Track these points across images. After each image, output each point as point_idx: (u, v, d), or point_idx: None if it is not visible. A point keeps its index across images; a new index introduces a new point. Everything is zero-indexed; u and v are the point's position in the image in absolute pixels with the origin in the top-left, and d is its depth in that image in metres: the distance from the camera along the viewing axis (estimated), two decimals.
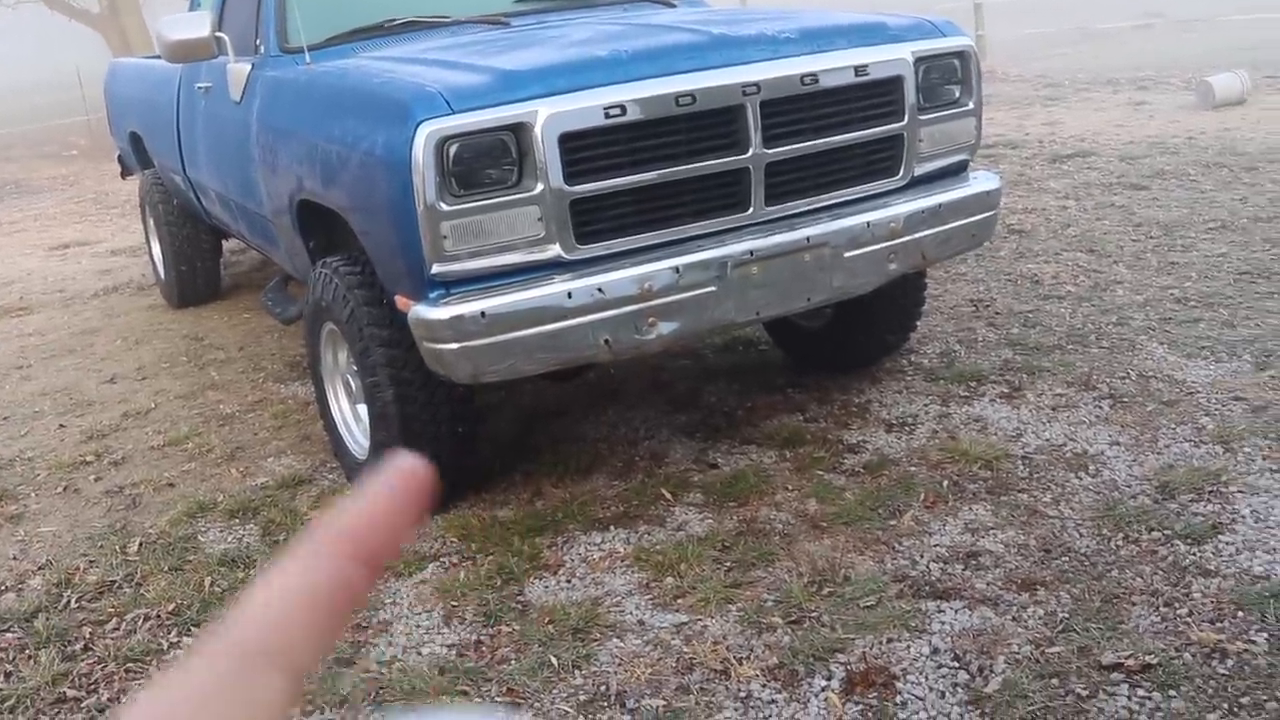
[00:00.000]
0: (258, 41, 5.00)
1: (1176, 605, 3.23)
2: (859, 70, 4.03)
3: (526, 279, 3.63)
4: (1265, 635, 3.06)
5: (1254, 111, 10.31)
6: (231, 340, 6.91)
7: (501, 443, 4.78)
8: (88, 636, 3.75)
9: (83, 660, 3.62)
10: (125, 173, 8.92)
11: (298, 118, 4.48)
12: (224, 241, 7.79)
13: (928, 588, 3.45)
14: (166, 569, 4.12)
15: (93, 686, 3.48)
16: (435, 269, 3.56)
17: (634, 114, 3.64)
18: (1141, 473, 3.98)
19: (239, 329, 7.14)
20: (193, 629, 3.71)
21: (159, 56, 6.86)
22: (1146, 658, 3.00)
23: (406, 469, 0.44)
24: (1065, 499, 3.87)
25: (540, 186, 3.55)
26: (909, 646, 3.18)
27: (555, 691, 3.17)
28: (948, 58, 4.27)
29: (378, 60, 4.34)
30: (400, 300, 3.79)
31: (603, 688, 3.16)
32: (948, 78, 4.30)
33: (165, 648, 3.63)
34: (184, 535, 4.37)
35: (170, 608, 3.84)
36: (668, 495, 4.19)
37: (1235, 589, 3.27)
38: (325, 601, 0.41)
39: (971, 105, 4.36)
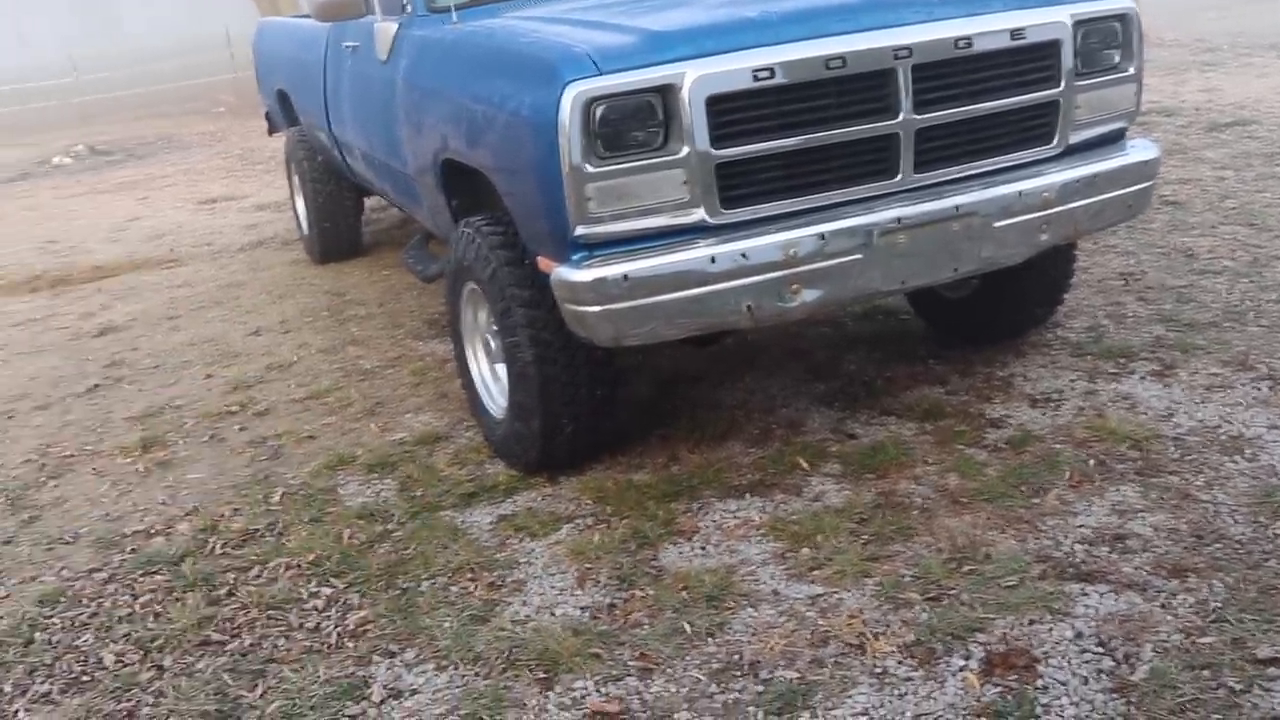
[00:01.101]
0: (405, 1, 5.03)
1: None
2: (1015, 34, 3.89)
3: (670, 243, 3.59)
4: None
5: None
6: (372, 297, 7.02)
7: (639, 406, 4.78)
8: (232, 582, 3.86)
9: (226, 605, 3.73)
10: (272, 130, 9.10)
11: (444, 77, 4.49)
12: (366, 199, 7.91)
13: (1072, 569, 3.35)
14: (307, 520, 4.21)
15: (236, 631, 3.58)
16: (579, 231, 3.55)
17: (782, 77, 3.57)
18: None
19: (379, 285, 7.26)
20: (332, 579, 3.78)
21: (307, 15, 7.00)
22: None
23: None
24: (1219, 483, 3.73)
25: (686, 149, 3.51)
26: (1051, 629, 3.10)
27: (688, 658, 3.16)
28: (1108, 20, 4.11)
29: (524, 20, 4.33)
30: (543, 261, 3.79)
31: (736, 657, 3.14)
32: (1107, 41, 4.14)
33: (305, 597, 3.71)
34: (324, 487, 4.46)
35: (310, 558, 3.93)
36: (804, 464, 4.14)
37: None
38: None
39: (1132, 70, 4.20)
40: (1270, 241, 6.00)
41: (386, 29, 5.08)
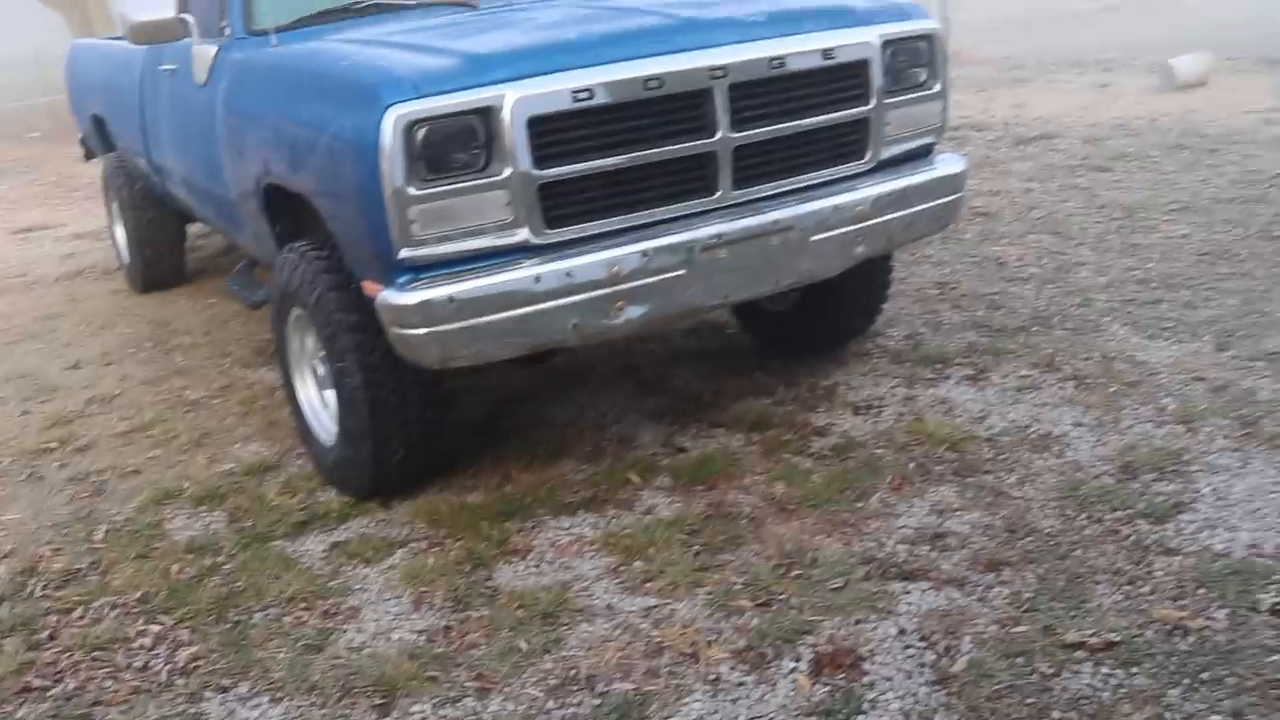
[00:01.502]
0: (223, 23, 4.95)
1: (1139, 584, 3.28)
2: (826, 54, 4.03)
3: (495, 263, 3.62)
4: (1225, 612, 3.11)
5: (1215, 94, 10.39)
6: (197, 325, 6.86)
7: (470, 427, 4.78)
8: (54, 625, 3.73)
9: (48, 649, 3.60)
10: (88, 155, 8.82)
11: (264, 100, 4.44)
12: (189, 226, 7.73)
13: (894, 569, 3.48)
14: (133, 556, 4.10)
15: (59, 675, 3.46)
16: (403, 254, 3.55)
17: (602, 98, 3.64)
18: (1105, 453, 4.03)
19: (204, 314, 7.10)
20: (160, 616, 3.69)
21: (122, 38, 6.82)
22: (1109, 636, 3.04)
23: None
24: (1030, 480, 3.91)
25: (509, 170, 3.54)
26: (876, 628, 3.21)
27: (525, 676, 3.18)
28: (914, 41, 4.29)
29: (345, 43, 4.31)
30: (368, 285, 3.77)
31: (572, 672, 3.18)
32: (914, 61, 4.31)
33: (132, 636, 3.61)
34: (150, 522, 4.35)
35: (137, 595, 3.82)
36: (636, 479, 4.20)
37: (1196, 567, 3.32)
38: None
39: (938, 88, 4.38)
40: (1073, 249, 6.31)
41: (205, 52, 5.00)
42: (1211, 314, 5.17)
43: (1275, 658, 2.92)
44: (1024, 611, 3.20)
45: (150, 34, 5.08)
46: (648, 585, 3.54)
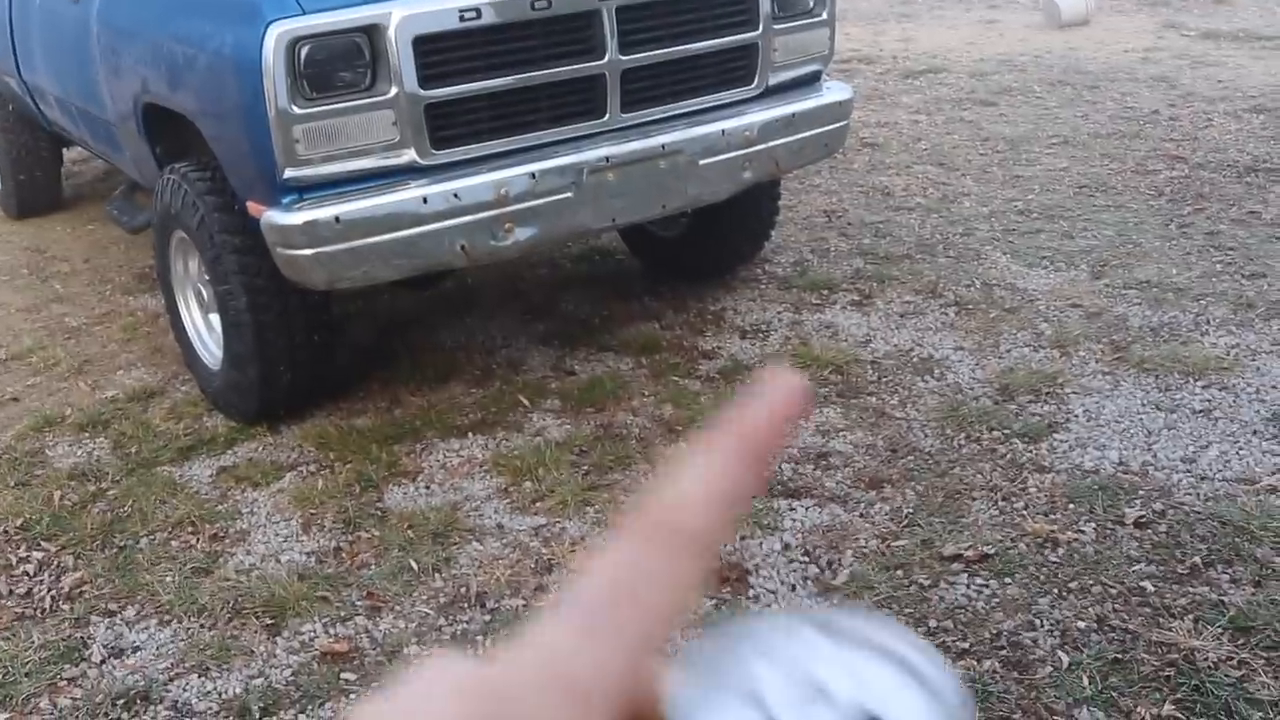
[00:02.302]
0: None
1: (1013, 500, 3.39)
2: None
3: (382, 184, 3.59)
4: (1093, 525, 3.23)
5: (1097, 32, 10.58)
6: (76, 252, 6.68)
7: (358, 351, 4.75)
8: None
9: None
10: None
11: (141, 16, 4.32)
12: (65, 149, 7.50)
13: (780, 487, 3.55)
14: (13, 484, 4.03)
15: None
16: (288, 174, 3.50)
17: (489, 17, 3.61)
18: (984, 376, 4.14)
19: (83, 240, 6.91)
20: (43, 543, 3.64)
21: None
22: (984, 549, 3.15)
23: (787, 383, 0.47)
24: (912, 401, 4.01)
25: (394, 90, 3.51)
26: (761, 543, 3.28)
27: (415, 595, 3.21)
28: None
29: None
30: (252, 206, 3.71)
31: (463, 590, 3.21)
32: None
33: (14, 563, 3.56)
34: (31, 450, 4.26)
35: (19, 523, 3.77)
36: (525, 402, 4.22)
37: (1067, 483, 3.45)
38: (729, 493, 0.44)
39: (825, 16, 4.42)
40: (958, 180, 6.42)
41: None
42: (1088, 244, 5.32)
43: (1138, 567, 3.06)
44: (904, 527, 3.30)
45: None
46: (537, 505, 3.58)
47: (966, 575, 3.07)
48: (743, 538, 3.30)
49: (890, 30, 11.44)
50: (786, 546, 3.27)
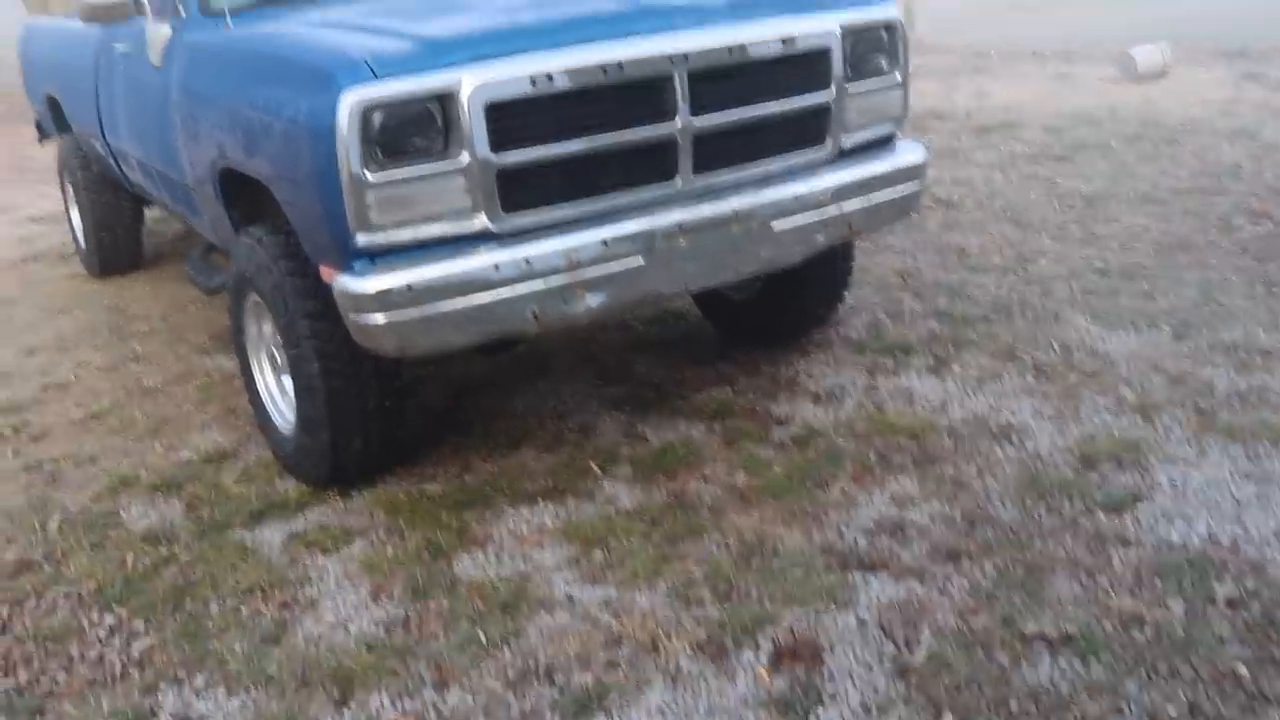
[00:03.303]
0: (178, 3, 4.88)
1: (1097, 575, 3.28)
2: (787, 41, 4.01)
3: (453, 250, 3.58)
4: (1181, 603, 3.12)
5: (1175, 85, 10.45)
6: (154, 311, 6.78)
7: (430, 416, 4.74)
8: (6, 616, 3.69)
9: (1, 640, 3.55)
10: (43, 137, 8.69)
11: (219, 83, 4.38)
12: (145, 209, 7.63)
13: (855, 560, 3.47)
14: (88, 546, 4.05)
15: (11, 667, 3.43)
16: (360, 240, 3.50)
17: (561, 83, 3.60)
18: (1064, 443, 4.03)
19: (162, 299, 7.01)
20: (115, 607, 3.65)
21: (77, 17, 6.71)
22: (1067, 627, 3.05)
23: None
24: (989, 470, 3.91)
25: (466, 156, 3.50)
26: (836, 619, 3.21)
27: (484, 667, 3.16)
28: (875, 29, 4.27)
29: (301, 25, 4.24)
30: (325, 271, 3.73)
31: (531, 663, 3.15)
32: (875, 49, 4.29)
33: (86, 627, 3.57)
34: (105, 511, 4.30)
35: (92, 586, 3.78)
36: (596, 469, 4.18)
37: (1154, 558, 3.33)
38: None
39: (899, 77, 4.37)
40: (1033, 238, 6.32)
41: (159, 33, 4.92)
42: (1170, 305, 5.20)
43: (1230, 649, 2.94)
44: (983, 603, 3.20)
45: (103, 14, 5.00)
46: (608, 575, 3.52)
47: (1049, 655, 2.96)
48: (816, 612, 3.23)
49: (963, 85, 11.38)
50: (862, 622, 3.18)
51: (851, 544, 3.56)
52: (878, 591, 3.31)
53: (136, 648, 3.44)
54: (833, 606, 3.26)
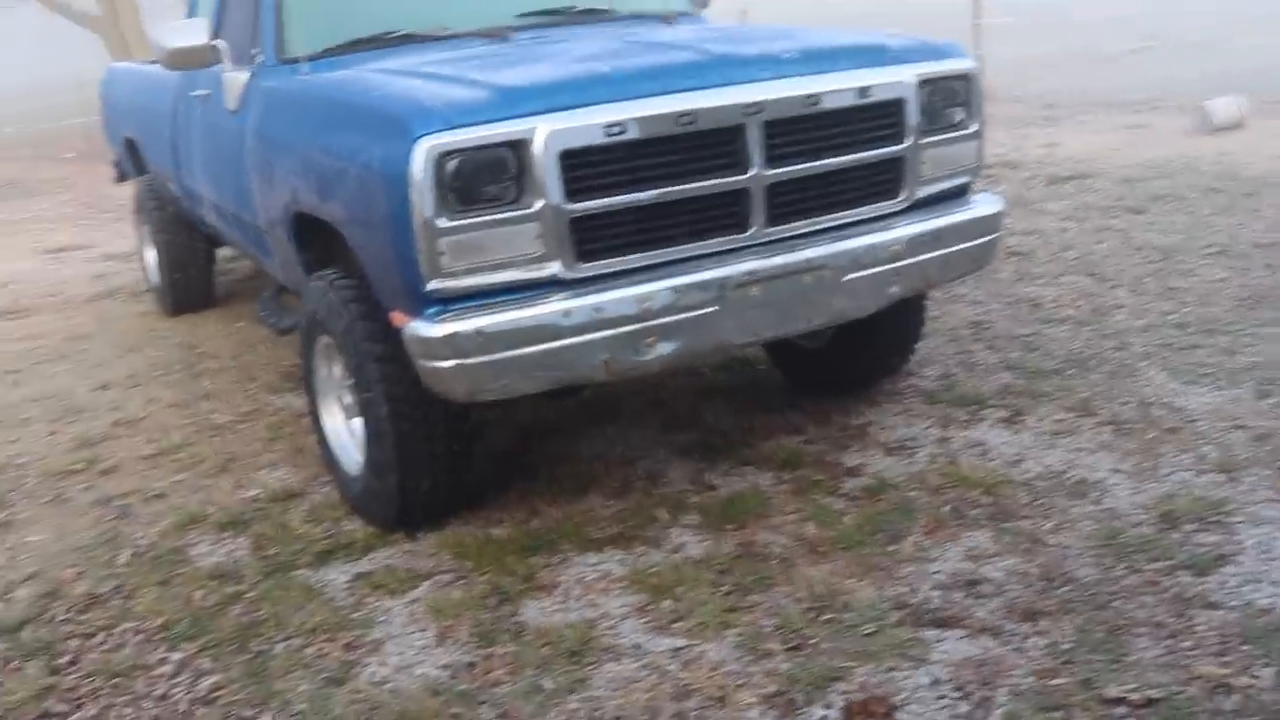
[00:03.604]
0: (255, 50, 4.96)
1: (1180, 638, 3.19)
2: (861, 92, 3.99)
3: (524, 297, 3.58)
4: (1271, 670, 3.02)
5: (1252, 136, 10.31)
6: (225, 349, 6.86)
7: (497, 459, 4.73)
8: (75, 650, 3.71)
9: (69, 674, 3.58)
10: (120, 178, 8.87)
11: (294, 129, 4.43)
12: (218, 249, 7.74)
13: (928, 616, 3.40)
14: (155, 582, 4.07)
15: (79, 701, 3.44)
16: (432, 285, 3.51)
17: (634, 132, 3.60)
18: (1143, 501, 3.94)
19: (232, 338, 7.09)
20: (182, 644, 3.65)
21: (157, 62, 6.84)
22: (1150, 692, 2.96)
23: None
24: (1067, 527, 3.83)
25: (540, 204, 3.51)
26: (909, 676, 3.14)
27: (550, 716, 3.13)
28: (951, 80, 4.24)
29: (376, 73, 4.29)
30: (396, 316, 3.74)
31: (598, 713, 3.12)
32: (950, 100, 4.27)
33: (153, 663, 3.58)
34: (174, 547, 4.32)
35: (159, 622, 3.79)
36: (664, 516, 4.15)
37: (1240, 622, 3.23)
38: None
39: (974, 128, 4.33)
40: (1109, 291, 6.23)
41: (236, 79, 5.00)
42: (1251, 360, 5.08)
43: None
44: (1062, 663, 3.12)
45: (183, 60, 5.08)
46: (676, 625, 3.48)
47: None
48: (889, 669, 3.16)
49: (1034, 135, 11.30)
50: (935, 681, 3.11)
51: (924, 599, 3.49)
52: (951, 649, 3.24)
53: (203, 685, 3.45)
54: (905, 663, 3.19)
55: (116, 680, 3.51)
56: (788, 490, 4.26)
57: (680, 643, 3.40)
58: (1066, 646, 3.20)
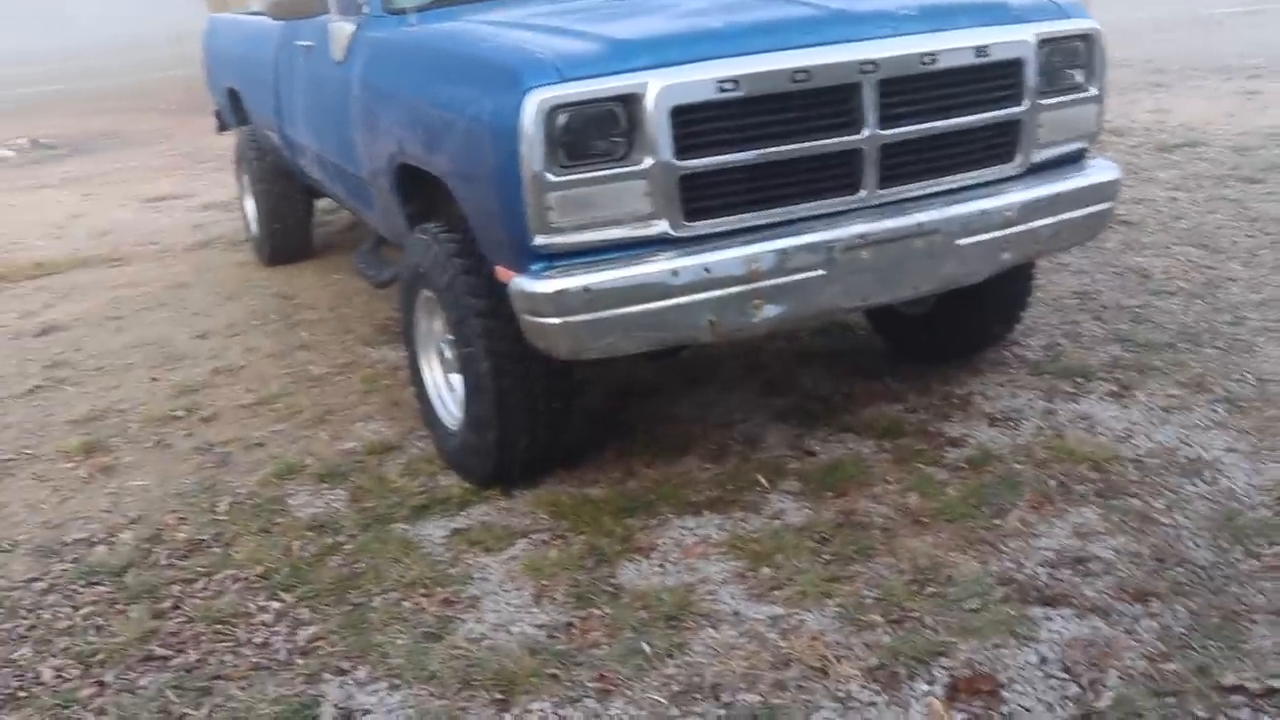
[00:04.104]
0: (362, 1, 4.94)
1: None
2: (980, 51, 3.87)
3: (632, 255, 3.53)
4: None
5: None
6: (322, 300, 6.91)
7: (594, 419, 4.70)
8: (177, 594, 3.75)
9: (171, 618, 3.63)
10: (221, 128, 8.95)
11: (401, 80, 4.41)
12: (316, 201, 7.79)
13: (1035, 593, 3.32)
14: (255, 530, 4.11)
15: (181, 646, 3.48)
16: (539, 240, 3.48)
17: (747, 89, 3.52)
18: (1261, 482, 3.81)
19: (329, 289, 7.14)
20: (281, 593, 3.68)
21: (259, 13, 6.87)
22: (1270, 681, 2.85)
23: None
24: (1179, 506, 3.71)
25: (649, 160, 3.45)
26: (1016, 654, 3.06)
27: (648, 680, 3.10)
28: (1072, 40, 4.11)
29: (485, 24, 4.25)
30: (501, 271, 3.71)
31: (696, 679, 3.08)
32: (1071, 61, 4.13)
33: (253, 611, 3.61)
34: (273, 497, 4.36)
35: (259, 570, 3.83)
36: (763, 481, 4.09)
37: None
38: None
39: (1095, 91, 4.19)
40: (1222, 263, 6.04)
41: (342, 29, 4.99)
42: None
43: None
44: (1175, 648, 3.02)
45: (289, 9, 5.09)
46: (775, 593, 3.43)
47: (1250, 710, 2.78)
48: (994, 645, 3.09)
49: (1143, 101, 10.99)
50: (1043, 660, 3.03)
51: (1031, 575, 3.41)
52: (1060, 628, 3.15)
53: (302, 635, 3.47)
54: (1012, 641, 3.11)
55: (217, 626, 3.55)
56: (889, 459, 4.19)
57: (779, 610, 3.35)
58: (1180, 630, 3.10)
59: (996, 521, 3.71)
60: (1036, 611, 3.23)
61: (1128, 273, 6.03)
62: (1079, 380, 4.70)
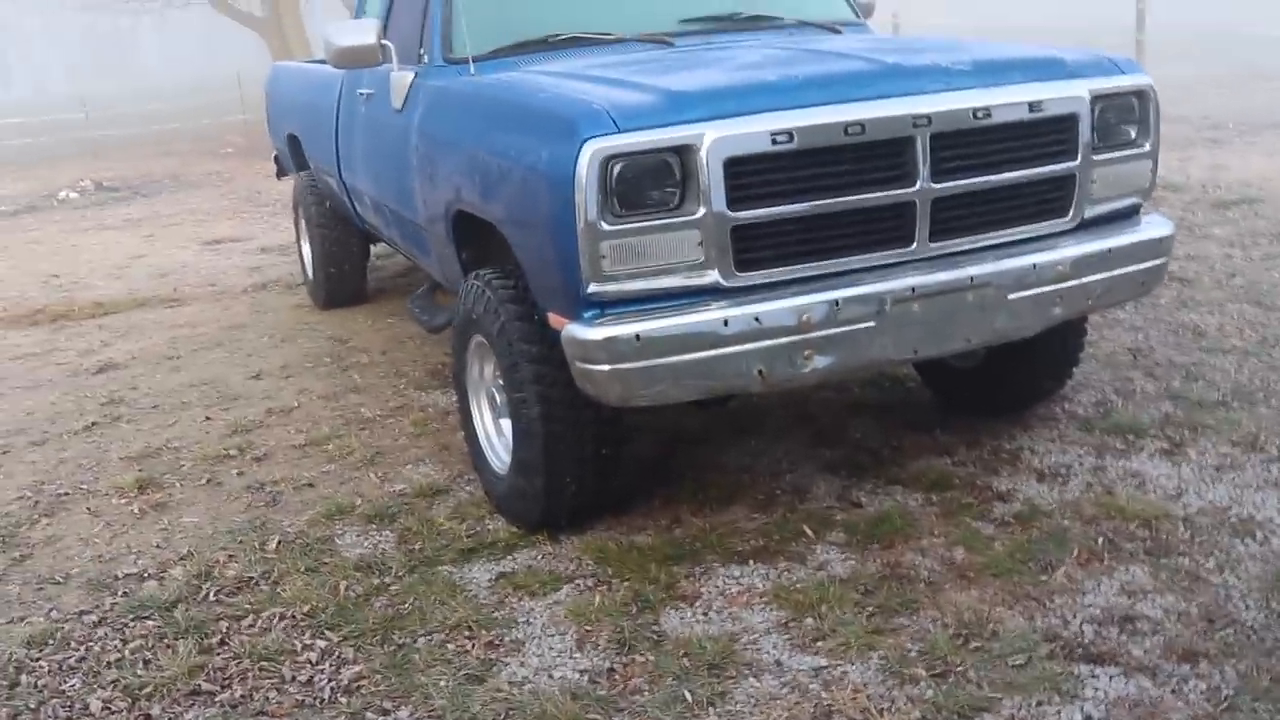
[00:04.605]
0: (422, 50, 5.04)
1: None
2: (1033, 106, 3.89)
3: (683, 304, 3.56)
4: None
5: None
6: (374, 344, 6.98)
7: (642, 466, 4.72)
8: (224, 631, 3.79)
9: (219, 654, 3.66)
10: (280, 173, 9.11)
11: (460, 128, 4.48)
12: (372, 245, 7.89)
13: (1080, 650, 3.29)
14: (303, 569, 4.15)
15: (227, 681, 3.51)
16: (591, 288, 3.52)
17: (801, 141, 3.56)
18: None
19: (382, 333, 7.22)
20: (327, 632, 3.71)
21: (321, 61, 7.00)
22: None
23: None
24: (1230, 566, 3.67)
25: (702, 210, 3.49)
26: (1060, 711, 3.03)
27: None
28: (1126, 96, 4.11)
29: (543, 74, 4.32)
30: (553, 318, 3.75)
31: None
32: (1125, 117, 4.14)
33: (299, 649, 3.64)
34: (321, 536, 4.40)
35: (305, 609, 3.86)
36: (809, 532, 4.09)
37: None
38: None
39: (1148, 147, 4.19)
40: (1277, 321, 5.98)
41: (402, 78, 5.08)
42: None
43: None
44: (1223, 710, 2.99)
45: (351, 58, 5.18)
46: (818, 644, 3.42)
47: None
48: (1039, 703, 3.06)
49: (1199, 157, 10.93)
50: (1088, 718, 3.01)
51: (1077, 633, 3.38)
52: (1105, 686, 3.12)
53: (346, 674, 3.49)
54: (1056, 698, 3.09)
55: (263, 663, 3.58)
56: (936, 512, 4.17)
57: (822, 662, 3.34)
58: (1228, 693, 3.06)
59: (1043, 577, 3.68)
60: (1082, 669, 3.20)
61: (1181, 329, 5.99)
62: (1130, 437, 4.66)
